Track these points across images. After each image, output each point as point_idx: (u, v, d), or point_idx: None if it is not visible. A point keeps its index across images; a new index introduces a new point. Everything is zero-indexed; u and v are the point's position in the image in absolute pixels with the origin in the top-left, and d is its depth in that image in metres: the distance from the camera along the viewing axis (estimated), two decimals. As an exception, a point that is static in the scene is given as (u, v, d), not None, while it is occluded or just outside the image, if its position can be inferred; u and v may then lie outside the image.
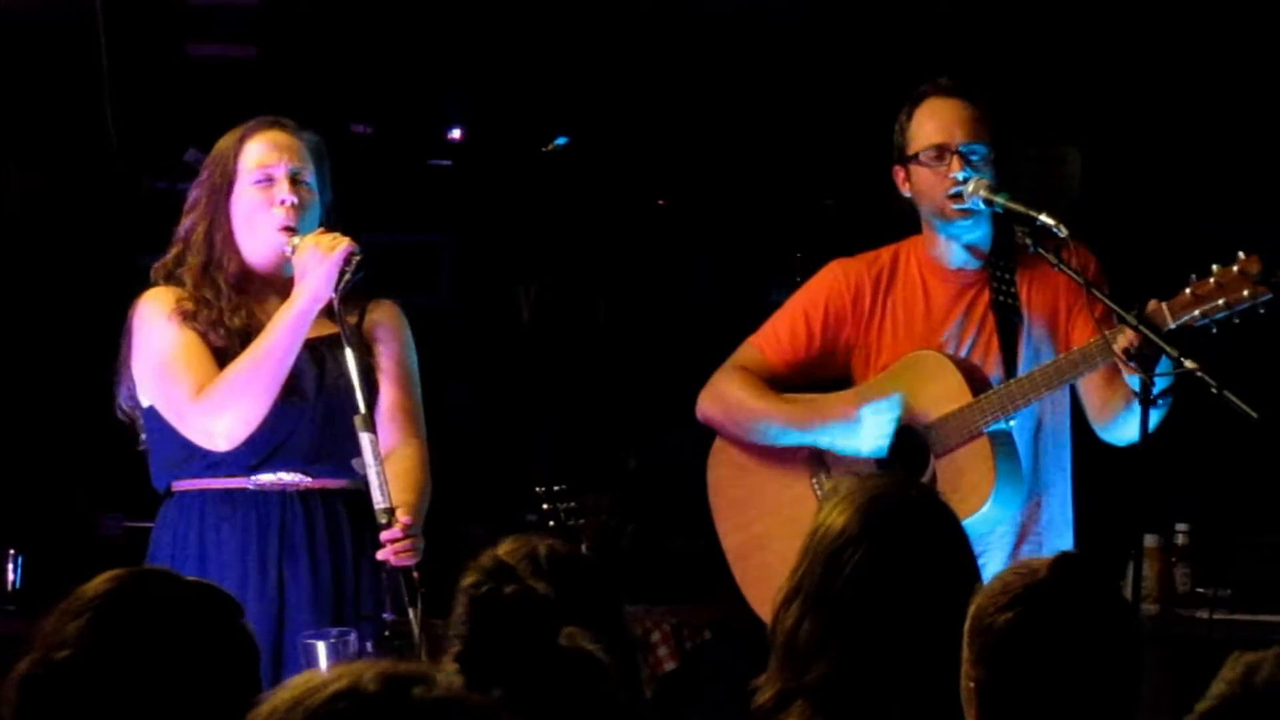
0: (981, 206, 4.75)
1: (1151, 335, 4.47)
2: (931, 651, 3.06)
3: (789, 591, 3.20)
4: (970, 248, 4.85)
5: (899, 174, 4.89)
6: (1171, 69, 7.00)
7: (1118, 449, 4.80)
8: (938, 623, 3.07)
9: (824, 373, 4.92)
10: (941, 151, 4.79)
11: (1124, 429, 4.70)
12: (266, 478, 4.38)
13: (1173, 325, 4.47)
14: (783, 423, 4.85)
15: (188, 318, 4.38)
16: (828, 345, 4.90)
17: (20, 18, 6.70)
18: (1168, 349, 4.45)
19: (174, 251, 4.48)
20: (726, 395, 4.91)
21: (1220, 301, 4.43)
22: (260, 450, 4.37)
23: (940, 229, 4.85)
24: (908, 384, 4.77)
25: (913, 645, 3.12)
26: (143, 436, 4.49)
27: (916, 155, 4.81)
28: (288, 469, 4.39)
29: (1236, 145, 6.97)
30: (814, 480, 4.85)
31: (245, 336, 4.37)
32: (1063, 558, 2.91)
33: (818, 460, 4.87)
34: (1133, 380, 4.50)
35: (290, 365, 4.33)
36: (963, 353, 4.82)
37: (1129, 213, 6.93)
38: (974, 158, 4.78)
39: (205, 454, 4.37)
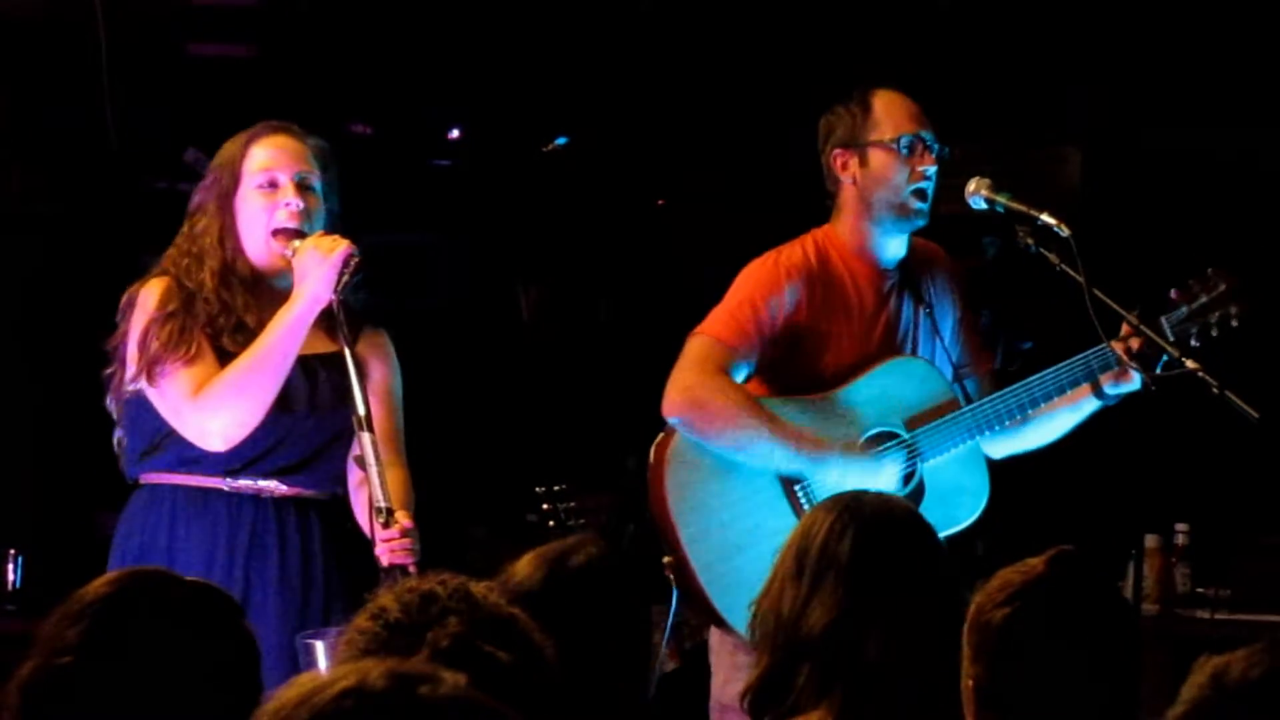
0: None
1: (1155, 337, 4.52)
2: (914, 610, 3.15)
3: (767, 584, 3.28)
4: (898, 246, 4.77)
5: (840, 158, 4.78)
6: (1170, 69, 7.01)
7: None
8: (910, 583, 3.19)
9: (767, 361, 4.76)
10: (916, 143, 4.72)
11: (1041, 434, 4.74)
12: (243, 482, 4.37)
13: (1170, 336, 4.58)
14: (785, 449, 4.66)
15: (192, 315, 4.37)
16: (784, 336, 4.74)
17: (20, 17, 6.70)
18: (1169, 349, 4.50)
19: (178, 254, 4.45)
20: (713, 403, 4.68)
21: (1213, 317, 4.62)
22: (242, 456, 4.34)
23: (881, 223, 4.76)
24: (894, 389, 4.71)
25: (897, 601, 3.18)
26: (118, 433, 4.48)
27: (884, 141, 4.72)
28: (266, 477, 4.37)
29: (1235, 144, 6.98)
30: (795, 487, 4.69)
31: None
32: (1059, 555, 2.92)
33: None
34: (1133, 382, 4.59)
35: (289, 367, 4.32)
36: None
37: (1129, 213, 6.93)
38: (944, 156, 4.73)
39: (178, 447, 4.35)
